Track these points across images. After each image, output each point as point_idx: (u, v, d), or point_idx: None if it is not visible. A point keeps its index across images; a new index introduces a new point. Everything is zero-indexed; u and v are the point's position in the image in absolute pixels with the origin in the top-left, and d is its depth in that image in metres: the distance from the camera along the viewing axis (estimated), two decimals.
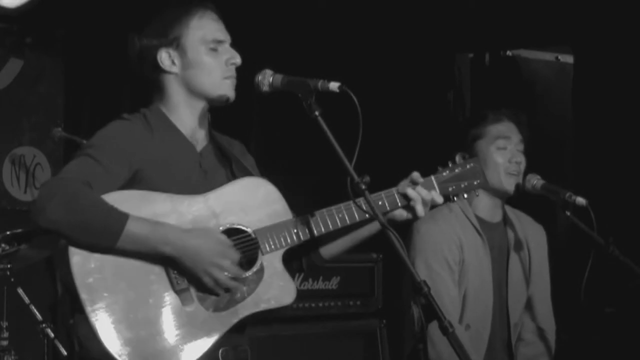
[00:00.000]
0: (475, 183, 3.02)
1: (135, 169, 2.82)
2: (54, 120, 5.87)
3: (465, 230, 3.78)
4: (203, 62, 2.93)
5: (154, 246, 2.70)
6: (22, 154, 5.86)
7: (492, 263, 3.81)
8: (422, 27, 6.06)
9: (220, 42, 2.95)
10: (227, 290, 2.77)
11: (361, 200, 2.75)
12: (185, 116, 2.97)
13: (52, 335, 4.70)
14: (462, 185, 3.00)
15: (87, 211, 2.66)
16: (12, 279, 4.70)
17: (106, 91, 5.94)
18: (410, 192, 2.90)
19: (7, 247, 4.56)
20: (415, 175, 2.94)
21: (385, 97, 5.99)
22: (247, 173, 3.00)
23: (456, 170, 3.00)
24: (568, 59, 6.24)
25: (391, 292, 4.92)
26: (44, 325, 4.71)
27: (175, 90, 2.97)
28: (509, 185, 3.76)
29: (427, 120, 6.21)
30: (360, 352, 4.89)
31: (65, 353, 4.65)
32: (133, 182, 2.82)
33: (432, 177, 2.97)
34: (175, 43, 2.93)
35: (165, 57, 2.94)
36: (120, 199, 2.72)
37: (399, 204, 2.92)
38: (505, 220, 3.90)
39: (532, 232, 3.94)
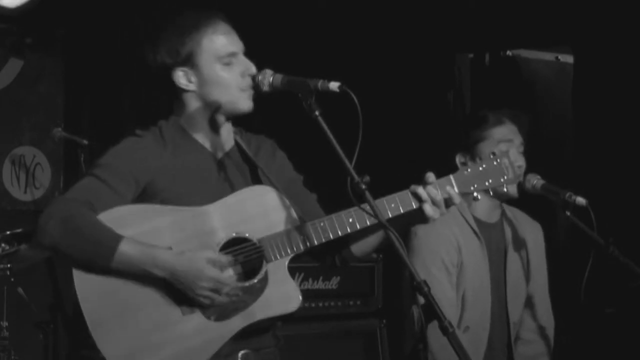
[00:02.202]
0: (502, 180, 2.90)
1: (145, 185, 2.84)
2: (54, 120, 5.88)
3: (462, 231, 3.77)
4: (219, 78, 2.91)
5: (144, 268, 2.73)
6: (22, 154, 5.86)
7: (490, 264, 3.80)
8: (422, 27, 6.06)
9: (233, 54, 2.93)
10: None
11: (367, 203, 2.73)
12: (205, 128, 2.97)
13: (52, 335, 4.70)
14: (487, 183, 2.89)
15: (82, 232, 2.72)
16: (12, 279, 4.69)
17: (106, 91, 5.95)
18: (419, 191, 2.83)
19: (7, 247, 4.55)
20: (428, 175, 2.86)
21: (386, 97, 5.99)
22: (270, 180, 2.97)
23: (480, 168, 2.90)
24: (568, 59, 6.24)
25: (391, 292, 4.92)
26: (44, 325, 4.71)
27: (194, 106, 2.95)
28: (512, 190, 3.75)
29: (427, 121, 6.20)
30: (360, 352, 4.90)
31: (65, 354, 4.64)
32: (145, 196, 2.84)
33: (451, 176, 2.87)
34: (190, 62, 2.91)
35: (181, 76, 2.93)
36: (121, 214, 2.77)
37: (413, 205, 2.85)
38: (503, 219, 3.90)
39: (529, 230, 3.94)
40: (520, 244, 3.88)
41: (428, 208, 2.82)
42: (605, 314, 5.17)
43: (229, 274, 2.80)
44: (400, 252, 2.63)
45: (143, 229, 2.76)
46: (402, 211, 2.84)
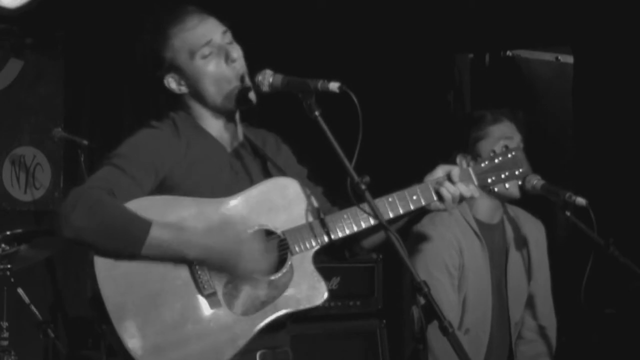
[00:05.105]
0: (517, 173, 2.98)
1: (163, 177, 2.79)
2: (54, 120, 5.88)
3: (464, 234, 3.77)
4: (204, 74, 2.87)
5: (178, 251, 2.67)
6: (22, 154, 5.87)
7: (491, 266, 3.80)
8: (422, 27, 6.07)
9: (207, 43, 2.87)
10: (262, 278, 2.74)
11: (394, 196, 2.81)
12: (212, 121, 2.94)
13: (52, 335, 4.71)
14: (503, 176, 2.96)
15: (110, 218, 2.64)
16: (12, 280, 4.70)
17: (106, 91, 5.96)
18: (443, 190, 2.87)
19: (7, 248, 4.56)
20: (453, 173, 2.89)
21: (386, 97, 5.99)
22: (280, 172, 2.97)
23: (496, 161, 2.97)
24: (568, 59, 6.24)
25: (391, 292, 4.92)
26: (44, 325, 4.71)
27: (195, 106, 2.93)
28: (514, 190, 3.74)
29: (427, 121, 6.21)
30: (360, 353, 4.89)
31: (65, 353, 4.65)
32: (162, 189, 2.79)
33: (470, 169, 2.94)
34: (173, 67, 2.88)
35: (171, 82, 2.90)
36: (145, 205, 2.70)
37: (435, 199, 2.89)
38: (505, 219, 3.89)
39: (531, 228, 3.94)
40: (521, 242, 3.88)
41: (449, 203, 2.88)
42: (605, 315, 5.17)
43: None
44: (401, 253, 2.63)
45: (167, 220, 2.70)
46: (423, 204, 2.88)
